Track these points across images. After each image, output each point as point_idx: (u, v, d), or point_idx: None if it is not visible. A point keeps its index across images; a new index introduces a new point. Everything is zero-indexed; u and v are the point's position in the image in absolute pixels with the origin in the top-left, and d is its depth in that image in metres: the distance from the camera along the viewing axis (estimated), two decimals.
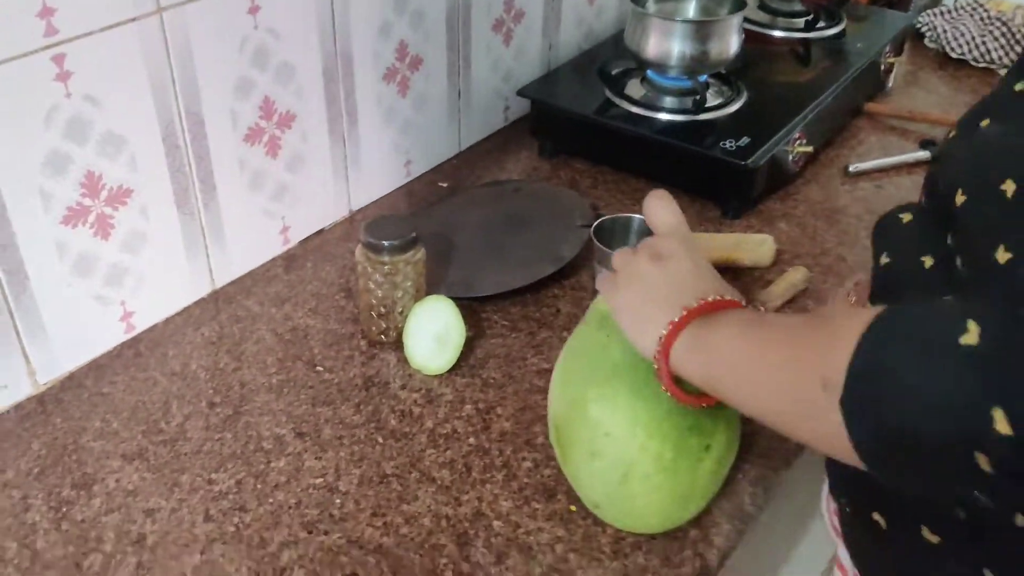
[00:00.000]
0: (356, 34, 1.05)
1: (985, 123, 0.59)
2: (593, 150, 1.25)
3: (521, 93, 1.27)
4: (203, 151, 0.94)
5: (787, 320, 0.62)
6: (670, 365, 0.64)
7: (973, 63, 1.54)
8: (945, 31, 1.57)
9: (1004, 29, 1.53)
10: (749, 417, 0.63)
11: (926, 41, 1.61)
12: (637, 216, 0.96)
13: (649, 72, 1.24)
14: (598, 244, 0.93)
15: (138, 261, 0.92)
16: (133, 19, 0.83)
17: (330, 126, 1.07)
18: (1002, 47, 1.52)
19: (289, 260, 1.08)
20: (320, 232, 1.12)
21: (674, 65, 1.20)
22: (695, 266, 0.68)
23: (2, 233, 0.80)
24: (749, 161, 1.11)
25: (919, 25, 1.61)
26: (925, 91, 1.50)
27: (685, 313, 0.64)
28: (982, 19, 1.58)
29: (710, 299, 0.64)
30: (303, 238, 1.10)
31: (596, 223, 0.95)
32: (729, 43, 1.20)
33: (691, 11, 1.29)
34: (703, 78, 1.23)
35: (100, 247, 0.88)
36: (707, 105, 1.20)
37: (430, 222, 1.09)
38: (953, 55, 1.56)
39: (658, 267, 0.68)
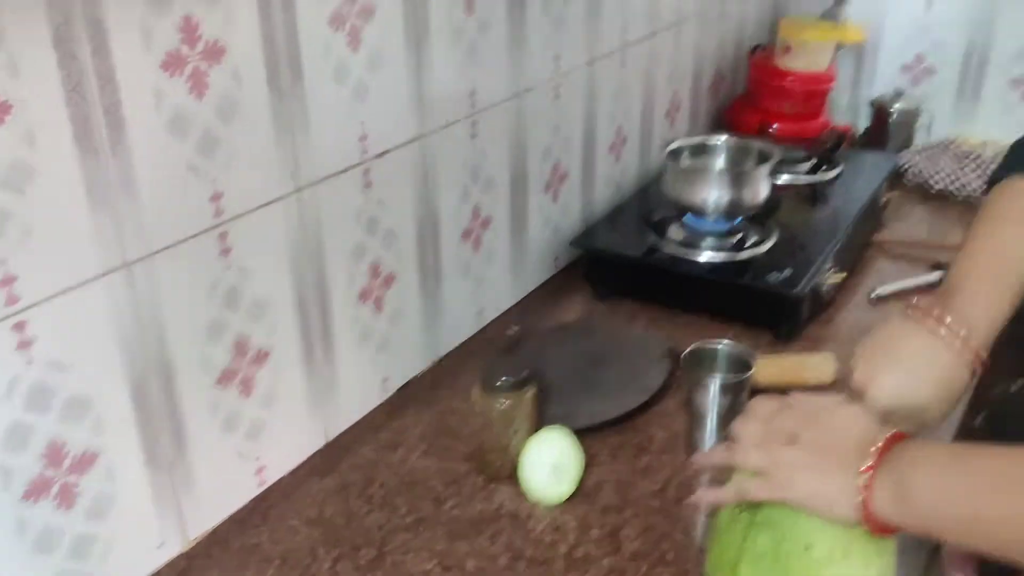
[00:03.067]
0: (443, 203, 1.17)
1: None
2: (644, 290, 1.37)
3: (574, 243, 1.40)
4: (327, 308, 1.03)
5: (1003, 452, 0.66)
6: (873, 510, 0.69)
7: (955, 193, 1.72)
8: (925, 168, 1.76)
9: (978, 162, 1.72)
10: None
11: (907, 178, 1.79)
12: (722, 344, 1.06)
13: (689, 217, 1.37)
14: (693, 371, 1.02)
15: (272, 414, 0.99)
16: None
17: (421, 283, 1.17)
18: (979, 178, 1.70)
19: (391, 408, 1.15)
20: (412, 381, 1.20)
21: (712, 210, 1.34)
22: (845, 411, 0.76)
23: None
24: (797, 289, 1.23)
25: (901, 163, 1.80)
26: (917, 221, 1.67)
27: (875, 457, 0.69)
28: (955, 155, 1.77)
29: (888, 435, 0.71)
30: (399, 387, 1.18)
31: (686, 352, 1.04)
32: (759, 189, 1.34)
33: (721, 162, 1.44)
34: (738, 221, 1.37)
35: (243, 403, 0.95)
36: (745, 244, 1.33)
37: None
38: (934, 189, 1.74)
39: (812, 423, 0.75)
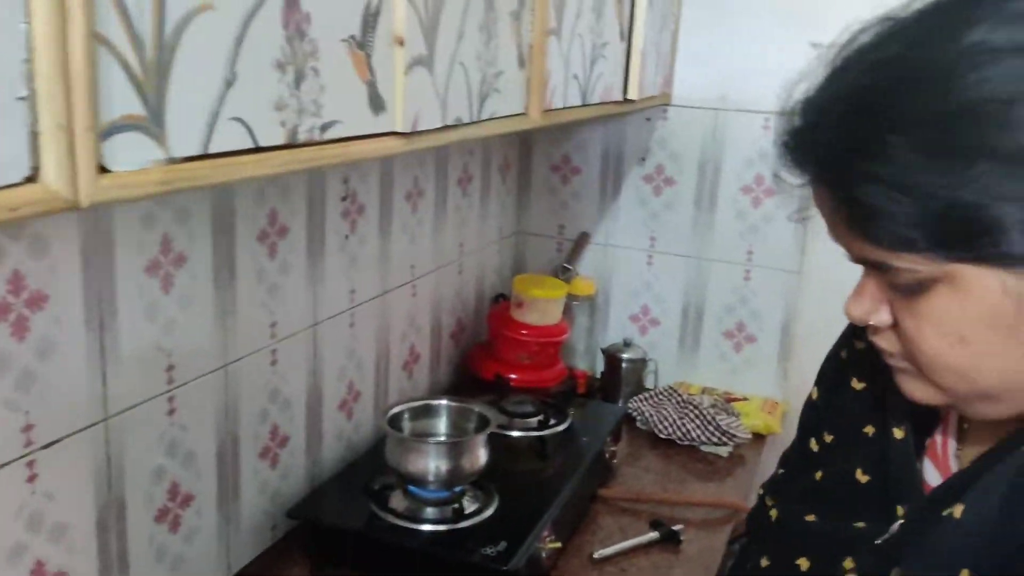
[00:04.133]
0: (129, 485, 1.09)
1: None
2: (366, 564, 1.31)
3: (291, 514, 1.33)
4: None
5: None
6: None
7: (679, 440, 1.81)
8: (652, 415, 1.86)
9: (697, 412, 1.83)
10: None
11: (638, 424, 1.88)
12: None
13: (409, 486, 1.35)
14: None
15: None
16: None
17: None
18: (698, 427, 1.81)
19: None
20: None
21: (432, 480, 1.32)
22: None
23: None
24: (509, 566, 1.22)
25: (630, 411, 1.89)
26: (644, 470, 1.73)
27: None
28: (678, 403, 1.88)
29: None
30: None
31: None
32: (479, 456, 1.35)
33: (442, 426, 1.45)
34: (459, 488, 1.36)
35: None
36: (465, 512, 1.32)
37: None
38: (661, 436, 1.83)
39: None
